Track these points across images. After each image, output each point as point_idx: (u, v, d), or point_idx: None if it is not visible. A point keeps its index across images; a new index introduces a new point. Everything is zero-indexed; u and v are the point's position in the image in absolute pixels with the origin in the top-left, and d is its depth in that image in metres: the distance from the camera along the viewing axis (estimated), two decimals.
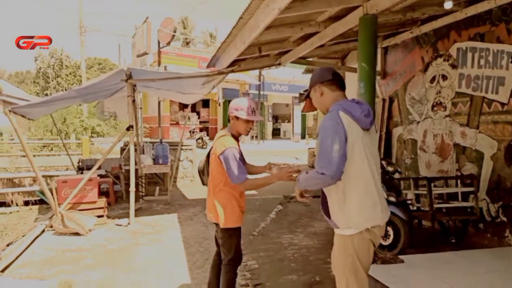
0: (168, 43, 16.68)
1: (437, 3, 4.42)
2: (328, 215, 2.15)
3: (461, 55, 5.31)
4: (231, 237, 2.84)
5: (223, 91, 21.18)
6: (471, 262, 4.07)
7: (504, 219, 4.67)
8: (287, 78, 24.90)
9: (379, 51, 7.08)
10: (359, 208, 2.05)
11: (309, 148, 13.28)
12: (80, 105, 18.16)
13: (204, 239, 5.26)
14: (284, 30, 4.79)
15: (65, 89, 26.86)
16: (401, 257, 4.05)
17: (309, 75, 11.49)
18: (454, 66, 5.43)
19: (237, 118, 2.78)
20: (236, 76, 20.67)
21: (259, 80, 22.67)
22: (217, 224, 2.89)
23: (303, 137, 25.65)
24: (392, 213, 4.31)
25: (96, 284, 3.74)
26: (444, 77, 5.61)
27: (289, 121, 27.85)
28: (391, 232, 4.35)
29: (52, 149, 14.36)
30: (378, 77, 7.16)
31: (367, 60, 3.81)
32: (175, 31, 15.45)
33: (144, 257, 4.58)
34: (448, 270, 3.83)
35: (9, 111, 4.92)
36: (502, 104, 4.69)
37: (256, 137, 22.58)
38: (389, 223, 4.40)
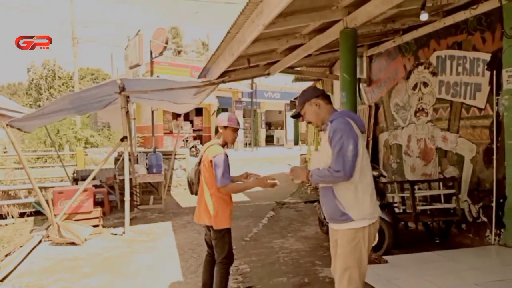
0: (161, 53, 16.88)
1: (414, 14, 4.66)
2: (339, 212, 2.29)
3: (440, 62, 5.56)
4: (224, 237, 3.10)
5: (217, 99, 21.38)
6: (453, 261, 4.28)
7: (485, 219, 4.89)
8: (279, 86, 25.19)
9: (364, 59, 7.34)
10: (370, 198, 2.31)
11: (301, 154, 13.48)
12: (74, 117, 18.24)
13: (197, 245, 5.41)
14: (271, 42, 5.01)
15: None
16: (385, 257, 4.24)
17: (300, 83, 11.80)
18: (434, 74, 5.68)
19: (225, 128, 3.18)
20: (229, 85, 20.84)
21: (252, 88, 22.90)
22: (209, 227, 3.13)
23: (296, 143, 25.85)
24: None
25: None
26: (425, 84, 5.85)
27: (282, 128, 28.07)
28: (376, 234, 4.53)
29: (46, 161, 14.41)
30: (364, 85, 7.41)
31: (348, 70, 4.03)
32: (167, 42, 15.66)
33: (140, 263, 4.72)
34: (431, 268, 4.03)
35: (7, 125, 5.06)
36: (480, 109, 4.94)
37: (250, 144, 22.76)
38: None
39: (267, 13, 3.33)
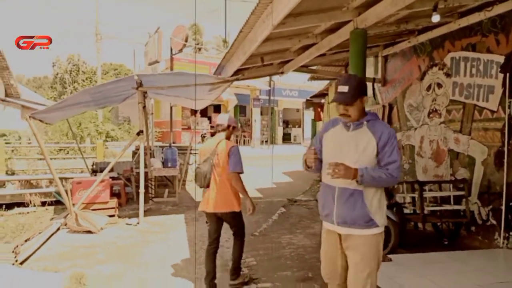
0: (180, 50, 17.16)
1: (427, 15, 4.66)
2: (366, 218, 2.23)
3: (454, 64, 5.52)
4: (241, 218, 3.71)
5: (235, 96, 21.55)
6: (459, 262, 4.28)
7: (494, 222, 4.86)
8: (297, 84, 25.15)
9: (379, 59, 7.34)
10: (385, 205, 2.37)
11: None
12: (96, 110, 18.74)
13: (207, 238, 5.56)
14: (283, 41, 5.10)
15: None
16: (390, 256, 4.29)
17: (318, 82, 11.80)
18: (448, 75, 5.65)
19: (229, 127, 3.71)
20: (247, 82, 21.03)
21: (270, 85, 22.99)
22: (219, 217, 3.65)
23: None
24: None
25: (106, 277, 4.08)
26: (439, 85, 5.83)
27: (299, 126, 28.05)
28: None
29: (68, 153, 14.89)
30: (378, 84, 7.41)
31: (357, 70, 4.09)
32: (187, 39, 15.90)
33: (152, 253, 4.91)
34: (435, 269, 4.05)
35: (29, 116, 5.33)
36: (492, 112, 4.90)
37: (267, 142, 22.87)
38: None
39: (276, 14, 3.43)
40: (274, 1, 3.48)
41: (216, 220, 3.67)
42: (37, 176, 9.72)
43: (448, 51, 5.65)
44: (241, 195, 3.65)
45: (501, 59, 4.78)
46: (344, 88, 2.23)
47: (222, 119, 3.72)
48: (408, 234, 5.07)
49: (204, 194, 3.72)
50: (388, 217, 4.53)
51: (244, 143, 23.47)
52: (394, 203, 4.84)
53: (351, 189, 2.25)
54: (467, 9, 5.13)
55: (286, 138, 28.67)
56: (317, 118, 12.01)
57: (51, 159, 11.39)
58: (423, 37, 6.07)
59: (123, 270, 4.32)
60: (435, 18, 4.27)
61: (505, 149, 4.67)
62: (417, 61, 6.33)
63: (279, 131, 26.91)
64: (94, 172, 8.57)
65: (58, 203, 8.55)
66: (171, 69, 16.06)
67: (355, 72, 4.10)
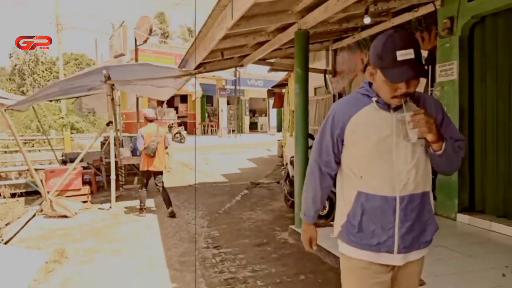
0: (145, 41, 17.34)
1: (363, 16, 5.40)
2: (435, 228, 1.70)
3: None
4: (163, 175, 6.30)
5: (201, 87, 21.92)
6: None
7: None
8: (262, 74, 25.79)
9: (330, 52, 8.10)
10: None
11: (278, 140, 14.27)
12: (58, 101, 18.63)
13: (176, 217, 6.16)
14: (239, 39, 5.70)
15: (42, 86, 27.01)
16: (332, 222, 5.06)
17: (274, 73, 12.42)
18: None
19: (156, 119, 6.34)
20: (213, 73, 21.44)
21: (235, 75, 23.50)
22: (156, 172, 6.19)
23: (279, 130, 26.64)
24: None
25: (85, 251, 4.60)
26: None
27: (265, 115, 28.81)
28: (327, 204, 5.36)
29: (33, 146, 14.89)
30: (330, 75, 8.17)
31: (301, 66, 4.75)
32: (151, 30, 16.14)
33: (125, 231, 5.46)
34: None
35: (5, 110, 5.66)
36: None
37: (234, 131, 23.47)
38: (327, 198, 5.40)
39: (229, 19, 4.02)
40: (227, 7, 4.07)
41: (152, 174, 6.19)
42: (6, 168, 9.87)
43: None
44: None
45: (425, 53, 5.60)
46: (410, 53, 1.46)
47: (151, 113, 6.33)
48: None
49: (147, 159, 6.07)
50: (332, 191, 5.32)
51: (211, 133, 23.97)
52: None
53: (419, 193, 1.60)
54: (399, 10, 5.91)
55: (253, 127, 29.37)
56: (276, 104, 12.76)
57: (16, 152, 11.52)
58: (365, 34, 6.85)
59: (100, 244, 4.85)
60: (366, 20, 5.00)
61: None
62: (361, 54, 7.12)
63: (246, 120, 27.56)
64: (64, 162, 8.89)
65: (28, 194, 8.80)
66: (136, 60, 16.26)
67: (299, 67, 4.77)
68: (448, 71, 5.16)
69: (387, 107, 1.60)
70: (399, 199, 1.57)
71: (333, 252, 4.07)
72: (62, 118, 18.13)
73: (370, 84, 1.68)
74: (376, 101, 1.61)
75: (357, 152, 1.64)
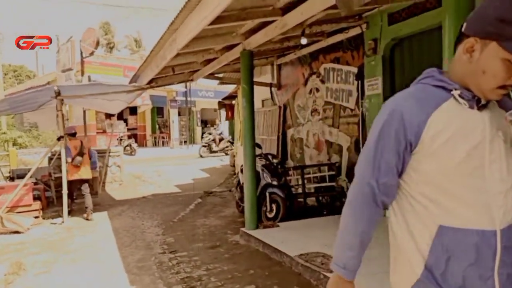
0: (91, 53, 17.14)
1: (300, 36, 6.04)
2: None
3: (326, 73, 7.05)
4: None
5: (151, 98, 21.88)
6: (335, 224, 5.71)
7: None
8: (213, 85, 26.20)
9: (275, 67, 8.74)
10: None
11: (230, 150, 14.73)
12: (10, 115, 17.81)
13: (131, 227, 6.38)
14: (189, 57, 6.11)
15: None
16: (278, 223, 5.57)
17: (225, 85, 12.93)
18: (323, 81, 7.17)
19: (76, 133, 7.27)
20: None
21: (186, 87, 23.71)
22: (84, 180, 7.09)
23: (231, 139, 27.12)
24: (274, 193, 5.87)
25: (42, 262, 4.73)
26: (317, 90, 7.34)
27: (217, 126, 29.18)
28: (274, 207, 5.87)
29: None
30: (275, 89, 8.80)
31: (246, 82, 5.26)
32: (98, 43, 16.03)
33: (81, 242, 5.61)
34: (314, 230, 5.37)
35: None
36: (351, 110, 6.48)
37: (185, 142, 23.58)
38: (273, 201, 5.93)
39: (179, 41, 4.44)
40: (177, 31, 4.49)
41: (80, 182, 7.09)
42: None
43: (322, 63, 7.18)
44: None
45: (355, 70, 6.35)
46: None
47: (72, 128, 7.44)
48: (296, 208, 6.43)
49: (73, 170, 6.97)
50: (278, 195, 5.84)
51: (163, 144, 23.90)
52: (283, 183, 6.15)
53: None
54: (332, 31, 6.64)
55: None
56: (228, 117, 13.25)
57: None
58: (305, 51, 7.54)
59: (57, 256, 4.99)
60: (303, 41, 5.62)
61: (360, 138, 6.26)
62: (302, 69, 7.81)
63: (198, 131, 27.75)
64: (11, 179, 8.69)
65: None
66: (82, 73, 16.05)
67: (245, 83, 5.28)
68: (374, 86, 5.92)
69: (474, 103, 1.16)
70: (499, 234, 1.11)
71: (279, 248, 4.57)
72: (5, 133, 17.31)
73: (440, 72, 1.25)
74: (459, 95, 1.16)
75: (436, 168, 1.15)
